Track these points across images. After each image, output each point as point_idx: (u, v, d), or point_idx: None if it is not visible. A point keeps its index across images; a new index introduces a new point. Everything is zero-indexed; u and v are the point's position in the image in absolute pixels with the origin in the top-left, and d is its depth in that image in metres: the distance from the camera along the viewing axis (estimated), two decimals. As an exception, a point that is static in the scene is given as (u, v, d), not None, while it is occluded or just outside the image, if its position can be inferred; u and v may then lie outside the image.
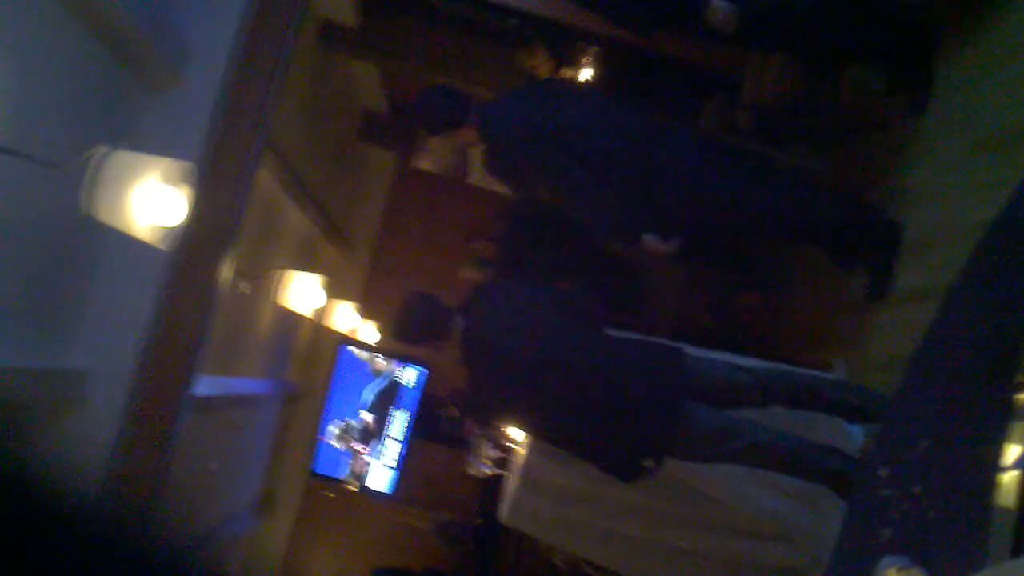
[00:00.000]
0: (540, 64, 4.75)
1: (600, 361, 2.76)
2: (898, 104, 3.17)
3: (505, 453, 4.64)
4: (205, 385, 3.55)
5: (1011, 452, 1.05)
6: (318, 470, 6.16)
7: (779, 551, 3.20)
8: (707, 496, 3.11)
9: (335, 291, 5.58)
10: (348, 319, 5.65)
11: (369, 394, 6.18)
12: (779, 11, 3.13)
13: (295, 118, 4.53)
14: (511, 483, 3.77)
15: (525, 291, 2.99)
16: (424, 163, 5.44)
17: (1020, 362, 1.11)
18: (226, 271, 3.01)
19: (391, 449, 6.13)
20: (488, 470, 4.85)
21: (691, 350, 3.03)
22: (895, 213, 3.04)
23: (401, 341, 3.04)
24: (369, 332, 6.02)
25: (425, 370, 6.12)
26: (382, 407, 6.17)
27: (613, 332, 3.12)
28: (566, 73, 4.80)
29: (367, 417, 6.15)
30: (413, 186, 6.55)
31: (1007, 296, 1.14)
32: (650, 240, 3.10)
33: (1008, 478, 1.02)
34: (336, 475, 6.14)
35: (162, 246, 2.11)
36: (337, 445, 6.11)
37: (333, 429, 6.11)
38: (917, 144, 3.08)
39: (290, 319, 5.22)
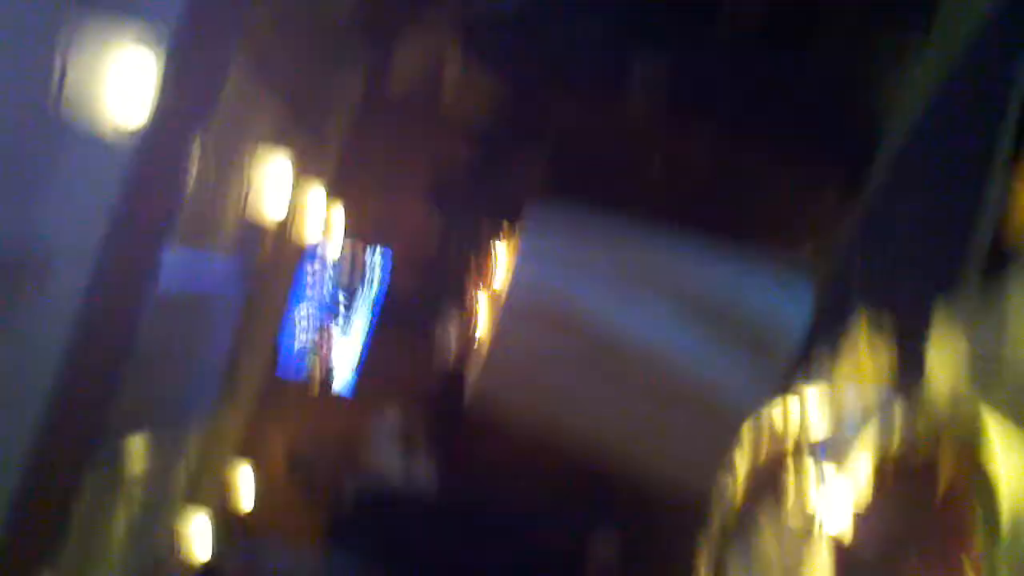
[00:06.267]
0: None
1: None
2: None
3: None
4: (171, 260, 3.49)
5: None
6: (279, 373, 6.11)
7: None
8: None
9: (304, 173, 5.47)
10: (317, 202, 5.57)
11: (336, 277, 6.13)
12: None
13: None
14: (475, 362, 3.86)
15: None
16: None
17: None
18: (198, 148, 2.91)
19: (355, 337, 6.12)
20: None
21: None
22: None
23: None
24: (337, 214, 5.94)
25: (388, 250, 6.05)
26: (348, 292, 6.14)
27: None
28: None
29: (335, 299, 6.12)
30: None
31: None
32: None
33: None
34: (297, 376, 6.10)
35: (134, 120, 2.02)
36: (303, 335, 6.07)
37: (302, 312, 6.05)
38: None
39: (262, 200, 5.11)
